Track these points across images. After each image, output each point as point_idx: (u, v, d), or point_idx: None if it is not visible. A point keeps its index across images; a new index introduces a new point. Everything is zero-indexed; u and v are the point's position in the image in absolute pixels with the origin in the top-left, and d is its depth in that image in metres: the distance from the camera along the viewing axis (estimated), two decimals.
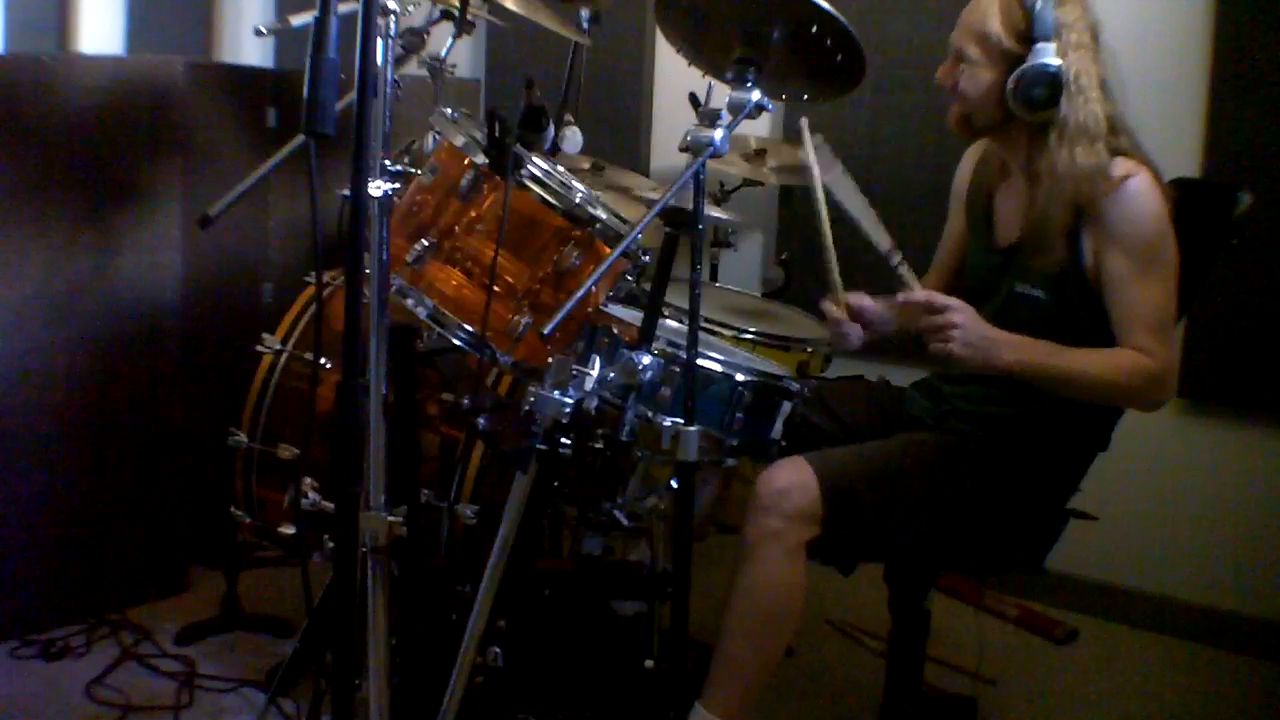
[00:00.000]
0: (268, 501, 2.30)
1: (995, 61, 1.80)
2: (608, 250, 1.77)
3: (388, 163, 1.57)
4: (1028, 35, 1.76)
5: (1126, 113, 1.85)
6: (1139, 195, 1.76)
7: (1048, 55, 1.74)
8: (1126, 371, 1.75)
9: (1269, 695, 2.58)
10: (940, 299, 1.78)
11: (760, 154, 2.90)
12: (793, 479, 1.78)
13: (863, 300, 1.98)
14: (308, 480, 1.97)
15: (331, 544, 2.07)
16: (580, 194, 1.78)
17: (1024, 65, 1.76)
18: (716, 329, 2.19)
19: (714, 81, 1.71)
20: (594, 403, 1.60)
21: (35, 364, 2.39)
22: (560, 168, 1.84)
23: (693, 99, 1.65)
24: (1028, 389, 1.86)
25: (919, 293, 1.83)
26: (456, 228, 1.77)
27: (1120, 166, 1.77)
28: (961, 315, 1.75)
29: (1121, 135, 1.81)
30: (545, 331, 1.44)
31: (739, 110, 1.58)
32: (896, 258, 1.89)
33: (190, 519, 2.71)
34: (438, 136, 1.87)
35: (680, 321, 1.95)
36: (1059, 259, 1.81)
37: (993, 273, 1.96)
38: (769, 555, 1.77)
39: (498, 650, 1.79)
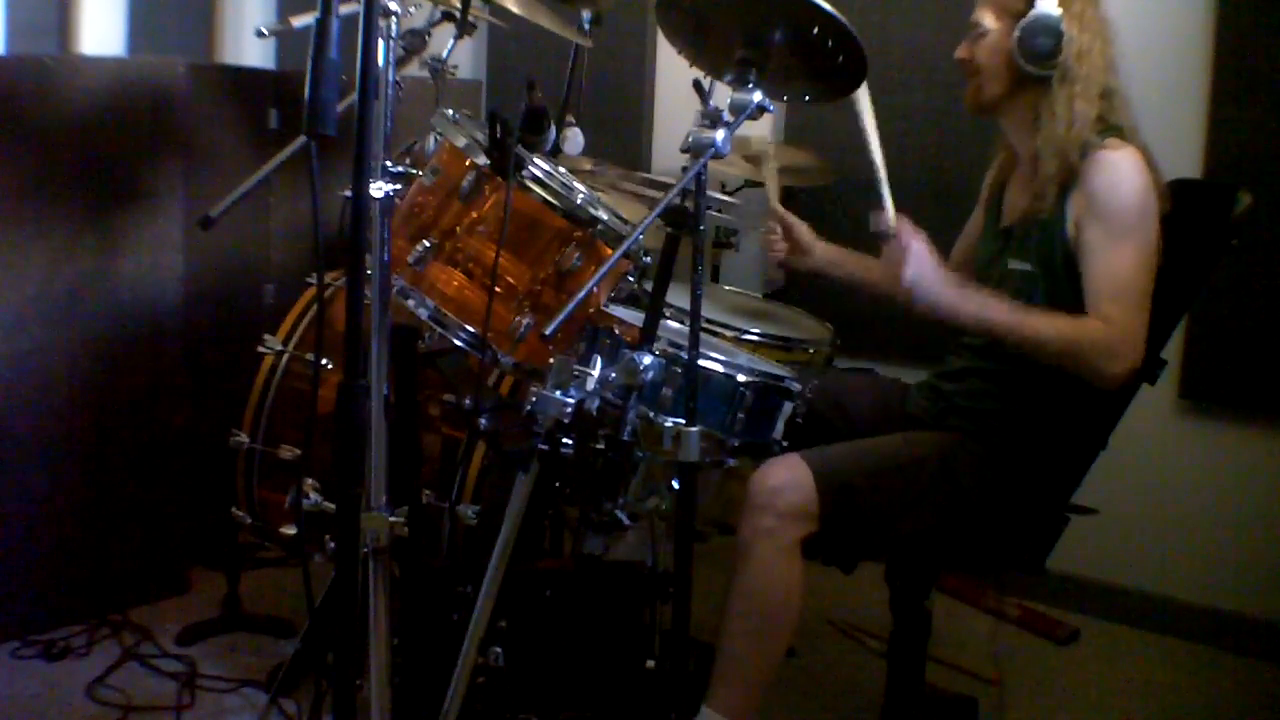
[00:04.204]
0: (269, 502, 2.30)
1: (1005, 23, 1.87)
2: (609, 251, 1.77)
3: (389, 164, 1.58)
4: None
5: (1129, 94, 1.90)
6: (1121, 165, 1.79)
7: (1050, 7, 1.82)
8: (1074, 337, 1.76)
9: (1270, 696, 2.58)
10: (907, 236, 1.85)
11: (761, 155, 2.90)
12: (786, 476, 1.78)
13: (799, 227, 2.26)
14: (309, 481, 1.97)
15: (333, 544, 2.08)
16: (581, 195, 1.78)
17: (1029, 16, 1.82)
18: (718, 329, 2.19)
19: (715, 82, 1.71)
20: (595, 403, 1.61)
21: (36, 365, 2.39)
22: (561, 169, 1.84)
23: (697, 86, 1.65)
24: (1026, 387, 1.87)
25: (886, 231, 1.92)
26: (458, 229, 1.77)
27: (1111, 144, 1.81)
28: (910, 265, 1.81)
29: (1118, 108, 1.86)
30: (547, 332, 1.44)
31: (740, 111, 1.59)
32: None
33: (191, 519, 2.71)
34: (439, 138, 1.88)
35: (681, 322, 1.95)
36: (1049, 218, 1.85)
37: (993, 256, 2.00)
38: (764, 554, 1.77)
39: (499, 650, 1.79)
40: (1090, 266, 1.79)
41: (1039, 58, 1.83)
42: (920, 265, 1.81)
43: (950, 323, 1.83)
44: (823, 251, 2.27)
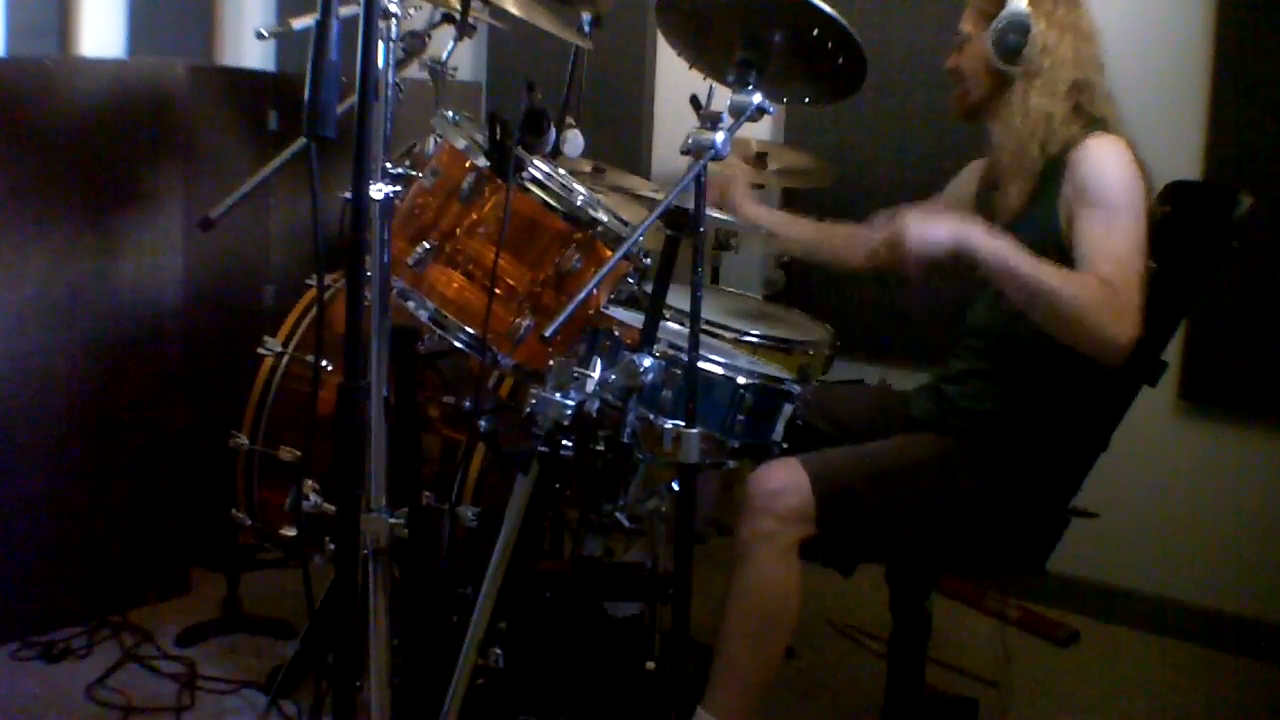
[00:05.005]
0: (269, 503, 2.30)
1: (982, 26, 1.89)
2: (609, 253, 1.77)
3: (389, 165, 1.58)
4: None
5: (1114, 89, 1.90)
6: (1104, 151, 1.80)
7: (1019, 5, 1.83)
8: (1083, 287, 1.70)
9: (1269, 697, 2.58)
10: (883, 232, 1.83)
11: (762, 157, 2.90)
12: (784, 479, 1.78)
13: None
14: (309, 482, 1.97)
15: (333, 546, 2.08)
16: (581, 196, 1.78)
17: (1000, 15, 1.84)
18: (718, 331, 2.19)
19: (715, 84, 1.71)
20: (595, 405, 1.61)
21: (37, 366, 2.39)
22: (561, 170, 1.84)
23: (694, 101, 1.66)
24: (1027, 388, 1.87)
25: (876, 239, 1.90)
26: (458, 230, 1.77)
27: (1095, 136, 1.82)
28: (908, 227, 1.77)
29: (1098, 101, 1.87)
30: (546, 334, 1.44)
31: (740, 113, 1.59)
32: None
33: (192, 521, 2.71)
34: (439, 139, 1.88)
35: (681, 324, 1.95)
36: (1040, 214, 1.84)
37: None
38: (763, 556, 1.77)
39: (499, 652, 1.79)
40: (1083, 242, 1.76)
41: (1013, 55, 1.85)
42: (914, 230, 1.76)
43: (968, 258, 1.75)
44: (750, 212, 2.29)
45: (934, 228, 1.75)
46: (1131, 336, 1.70)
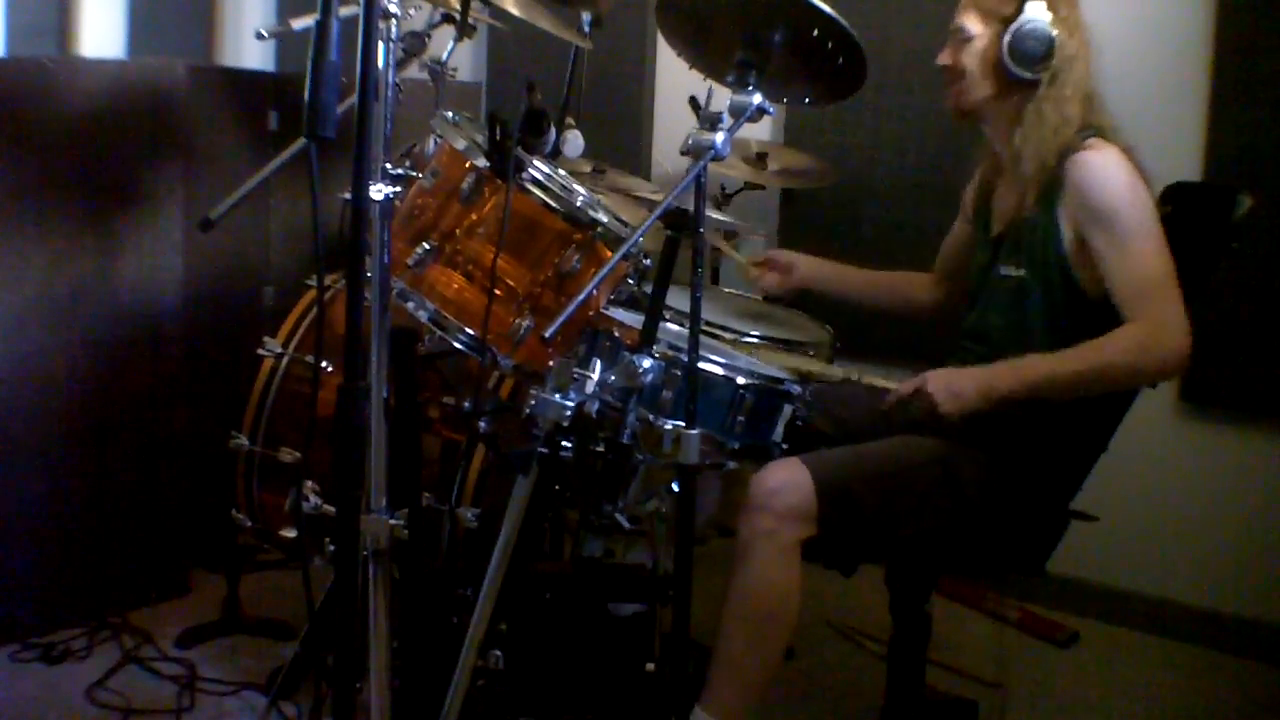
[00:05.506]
0: (269, 505, 2.30)
1: (991, 27, 1.88)
2: (609, 253, 1.77)
3: (389, 166, 1.58)
4: None
5: (1112, 103, 1.91)
6: (1104, 166, 1.80)
7: (1039, 13, 1.83)
8: (1118, 350, 1.75)
9: (1269, 698, 2.58)
10: (905, 386, 1.87)
11: (761, 157, 2.90)
12: (785, 478, 1.78)
13: (776, 254, 2.31)
14: (309, 483, 1.97)
15: (333, 547, 2.08)
16: (581, 197, 1.78)
17: (1018, 21, 1.84)
18: (718, 332, 2.19)
19: (715, 85, 1.71)
20: (595, 406, 1.61)
21: (36, 367, 2.39)
22: (561, 171, 1.84)
23: (693, 102, 1.66)
24: None
25: (891, 395, 1.90)
26: (457, 231, 1.77)
27: (1091, 144, 1.82)
28: (931, 382, 1.83)
29: (1098, 109, 1.88)
30: (546, 335, 1.44)
31: (740, 113, 1.59)
32: (855, 376, 1.99)
33: (191, 522, 2.71)
34: (439, 140, 1.88)
35: (681, 325, 1.95)
36: (1040, 224, 1.85)
37: (986, 264, 2.01)
38: (763, 555, 1.77)
39: (499, 653, 1.79)
40: (1110, 274, 1.79)
41: (1029, 62, 1.84)
42: (940, 385, 1.82)
43: (1001, 402, 1.80)
44: (805, 267, 2.29)
45: (963, 395, 1.80)
46: (1187, 351, 1.75)
